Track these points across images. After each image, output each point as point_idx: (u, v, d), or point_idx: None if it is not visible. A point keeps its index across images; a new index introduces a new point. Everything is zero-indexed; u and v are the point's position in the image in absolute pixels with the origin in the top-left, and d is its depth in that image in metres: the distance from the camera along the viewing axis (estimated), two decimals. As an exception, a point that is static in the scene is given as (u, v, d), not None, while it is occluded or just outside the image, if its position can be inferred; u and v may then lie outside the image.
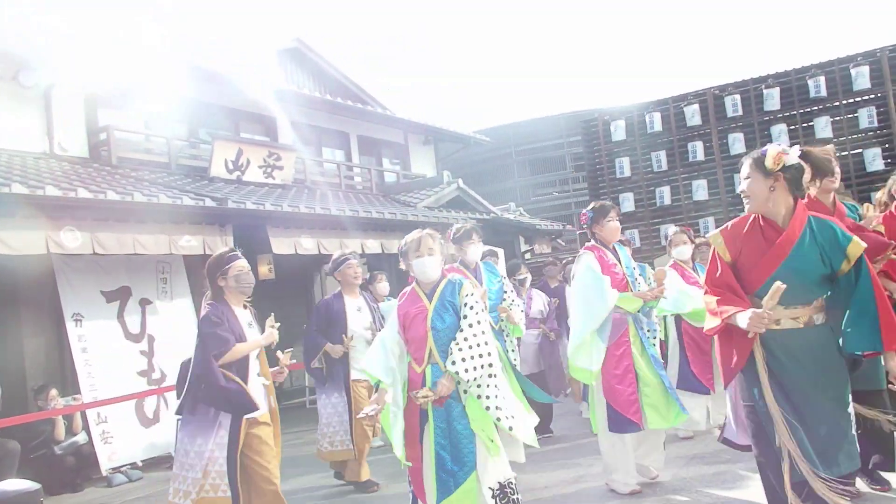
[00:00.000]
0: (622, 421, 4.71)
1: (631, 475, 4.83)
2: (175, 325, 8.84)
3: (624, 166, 12.75)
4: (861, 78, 10.82)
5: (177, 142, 11.53)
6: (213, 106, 11.40)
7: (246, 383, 4.22)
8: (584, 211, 4.93)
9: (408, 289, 4.06)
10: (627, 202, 12.64)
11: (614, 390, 4.73)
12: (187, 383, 4.26)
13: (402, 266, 4.15)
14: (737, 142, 11.68)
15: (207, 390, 4.13)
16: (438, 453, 3.71)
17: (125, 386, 7.90)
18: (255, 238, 9.94)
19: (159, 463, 8.01)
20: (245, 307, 4.54)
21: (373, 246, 11.65)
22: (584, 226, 4.95)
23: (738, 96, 11.77)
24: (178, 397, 4.55)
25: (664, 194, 12.32)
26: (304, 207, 10.38)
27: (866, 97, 10.98)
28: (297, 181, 12.97)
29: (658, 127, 12.43)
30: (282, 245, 10.00)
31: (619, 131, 12.82)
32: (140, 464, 7.87)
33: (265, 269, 12.03)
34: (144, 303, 8.68)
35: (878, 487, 4.11)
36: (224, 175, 11.21)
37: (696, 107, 12.06)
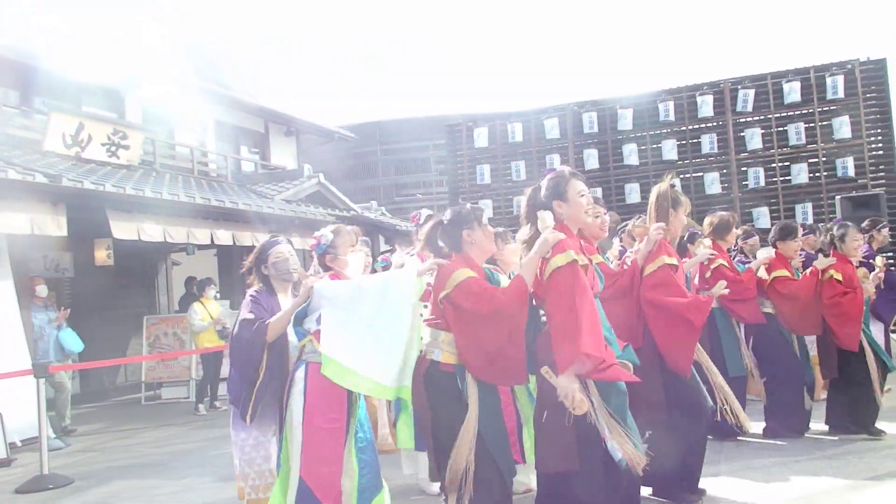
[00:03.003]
0: None
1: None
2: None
3: (485, 173, 12.90)
4: (705, 106, 11.46)
5: (6, 109, 10.63)
6: (52, 75, 10.56)
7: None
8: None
9: None
10: (487, 210, 12.76)
11: None
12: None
13: (326, 261, 4.09)
14: (591, 157, 12.08)
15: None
16: None
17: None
18: (94, 220, 9.32)
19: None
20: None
21: (224, 237, 11.20)
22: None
23: (594, 114, 12.17)
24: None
25: (521, 204, 12.51)
26: (150, 191, 9.83)
27: (709, 124, 11.61)
28: (144, 163, 12.27)
29: (519, 137, 12.66)
30: (123, 230, 9.40)
31: (481, 138, 12.96)
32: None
33: (103, 255, 11.33)
34: (-42, 283, 7.92)
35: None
36: (61, 150, 10.41)
37: (555, 120, 12.37)
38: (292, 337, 4.07)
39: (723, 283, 5.12)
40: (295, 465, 3.70)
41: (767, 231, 7.16)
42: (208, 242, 11.08)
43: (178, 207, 10.29)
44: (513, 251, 5.06)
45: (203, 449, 7.49)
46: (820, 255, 6.03)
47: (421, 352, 3.60)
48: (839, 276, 5.74)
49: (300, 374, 3.81)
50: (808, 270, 5.96)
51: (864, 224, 7.62)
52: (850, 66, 10.87)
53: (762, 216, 10.90)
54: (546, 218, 3.47)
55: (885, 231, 7.56)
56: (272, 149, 17.06)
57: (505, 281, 3.89)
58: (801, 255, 6.32)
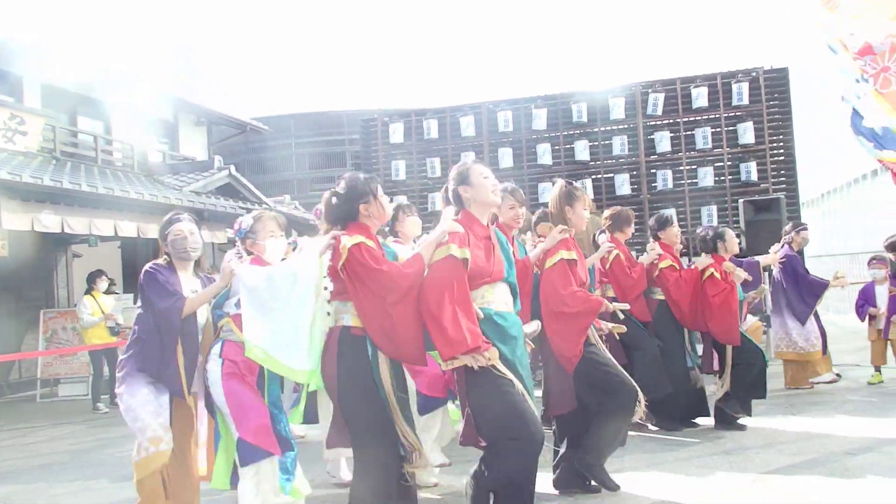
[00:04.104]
0: None
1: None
2: None
3: (400, 169, 12.83)
4: (616, 108, 11.70)
5: None
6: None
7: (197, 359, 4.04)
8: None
9: None
10: (401, 206, 12.69)
11: None
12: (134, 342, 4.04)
13: (246, 245, 4.23)
14: (505, 156, 12.16)
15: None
16: None
17: None
18: (-16, 209, 8.83)
19: None
20: (198, 277, 4.25)
21: (128, 228, 10.80)
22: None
23: (509, 113, 12.25)
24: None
25: (436, 200, 12.53)
26: (48, 180, 9.38)
27: (621, 127, 11.87)
28: (44, 150, 11.69)
29: (434, 134, 12.64)
30: (16, 220, 8.94)
31: (396, 134, 12.88)
32: None
33: (-5, 245, 10.74)
34: None
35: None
36: (-50, 134, 9.83)
37: (470, 118, 12.39)
38: (201, 318, 4.11)
39: (626, 305, 5.19)
40: (232, 430, 3.84)
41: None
42: (112, 234, 10.66)
43: (80, 197, 9.86)
44: (414, 223, 5.36)
45: (102, 448, 7.20)
46: (702, 255, 6.34)
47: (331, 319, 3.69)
48: (718, 274, 6.08)
49: (216, 350, 3.96)
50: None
51: (786, 227, 8.06)
52: (754, 74, 11.28)
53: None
54: (447, 211, 3.64)
55: (805, 233, 7.94)
56: (181, 139, 16.54)
57: (405, 253, 4.12)
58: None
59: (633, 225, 6.44)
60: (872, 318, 7.84)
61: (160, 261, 4.15)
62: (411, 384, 4.29)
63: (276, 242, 4.25)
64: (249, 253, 4.20)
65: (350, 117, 29.38)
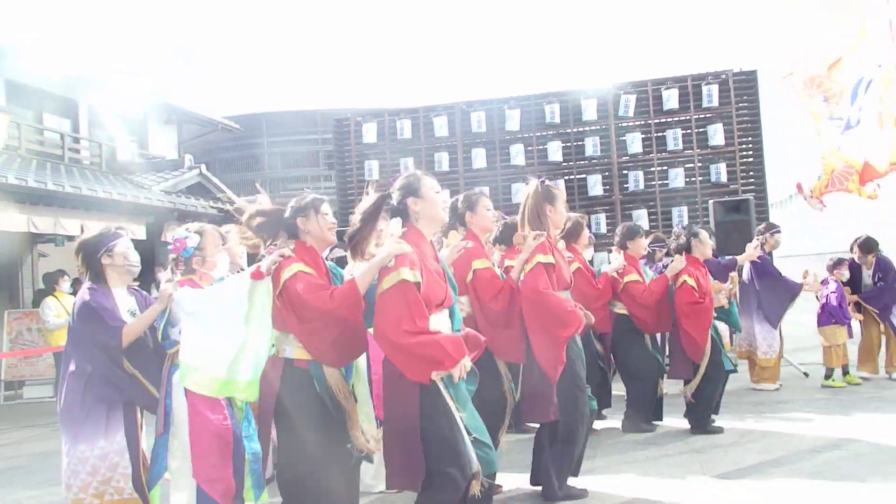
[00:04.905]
0: None
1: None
2: None
3: (373, 169, 12.77)
4: (589, 110, 11.75)
5: None
6: None
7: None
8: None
9: None
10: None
11: None
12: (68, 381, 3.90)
13: (193, 264, 4.01)
14: (479, 156, 12.17)
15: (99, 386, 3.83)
16: None
17: None
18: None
19: None
20: (132, 294, 4.15)
21: (95, 228, 10.59)
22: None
23: (482, 113, 12.25)
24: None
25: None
26: (13, 178, 9.21)
27: (593, 128, 11.92)
28: (8, 148, 11.47)
29: (408, 134, 12.61)
30: (-22, 218, 8.77)
31: (370, 133, 12.82)
32: None
33: (-42, 244, 10.53)
34: None
35: None
36: (-89, 131, 9.62)
37: (444, 118, 12.37)
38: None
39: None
40: (186, 469, 3.69)
41: (649, 232, 7.52)
42: (79, 234, 10.48)
43: (47, 196, 9.70)
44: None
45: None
46: (676, 257, 6.22)
47: (273, 348, 3.58)
48: (692, 282, 5.97)
49: (178, 378, 3.74)
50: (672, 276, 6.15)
51: (759, 227, 8.10)
52: (724, 77, 11.38)
53: (641, 218, 11.25)
54: (393, 225, 3.41)
55: (778, 236, 8.00)
56: (151, 137, 16.33)
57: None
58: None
59: (585, 230, 6.28)
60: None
61: (90, 284, 3.99)
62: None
63: (223, 256, 4.15)
64: (192, 271, 4.01)
65: (323, 116, 29.25)
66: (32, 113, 13.17)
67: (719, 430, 5.93)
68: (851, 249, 8.32)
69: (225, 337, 3.50)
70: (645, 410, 6.16)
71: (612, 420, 6.48)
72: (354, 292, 3.31)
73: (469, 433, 3.25)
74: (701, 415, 5.99)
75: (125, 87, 14.62)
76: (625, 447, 5.67)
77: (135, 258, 4.10)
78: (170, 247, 4.10)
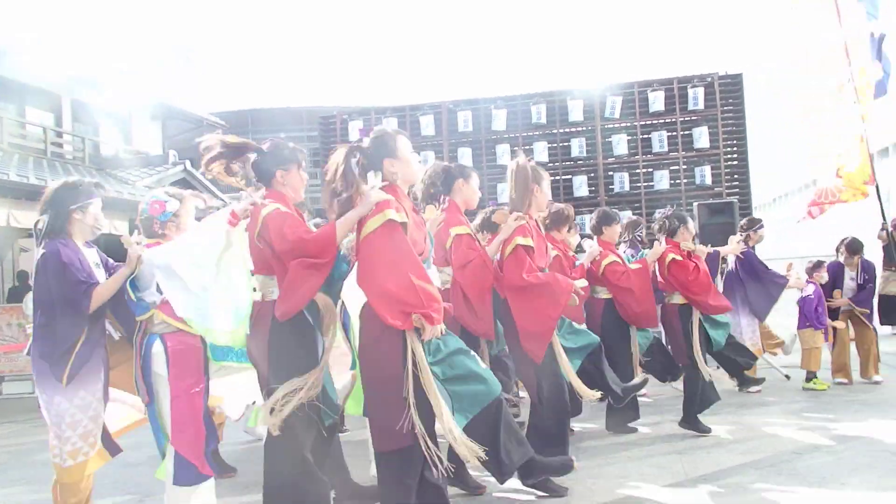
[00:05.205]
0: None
1: None
2: None
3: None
4: (575, 111, 11.77)
5: None
6: None
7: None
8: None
9: None
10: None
11: None
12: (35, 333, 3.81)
13: (166, 227, 4.00)
14: (465, 155, 12.15)
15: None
16: None
17: None
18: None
19: None
20: (90, 245, 4.04)
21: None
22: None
23: (469, 112, 12.24)
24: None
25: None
26: (-6, 172, 9.11)
27: (579, 129, 11.93)
28: (-9, 141, 11.37)
29: (394, 132, 12.57)
30: (-42, 212, 8.67)
31: (356, 131, 12.78)
32: None
33: (-62, 238, 10.42)
34: None
35: None
36: None
37: (430, 117, 12.34)
38: None
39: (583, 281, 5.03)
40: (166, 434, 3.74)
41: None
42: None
43: (28, 190, 9.59)
44: None
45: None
46: (655, 244, 6.19)
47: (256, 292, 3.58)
48: (678, 257, 5.95)
49: (158, 349, 3.72)
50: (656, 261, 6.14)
51: (742, 223, 8.10)
52: (709, 80, 11.43)
53: (626, 219, 11.28)
54: (371, 178, 3.40)
55: (762, 231, 7.98)
56: (135, 133, 16.22)
57: None
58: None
59: (569, 225, 6.33)
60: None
61: (61, 238, 3.86)
62: None
63: (196, 224, 4.09)
64: (160, 235, 3.97)
65: (309, 113, 29.13)
66: (15, 107, 13.04)
67: (707, 430, 5.91)
68: (837, 250, 8.35)
69: (201, 283, 3.50)
70: (623, 412, 6.10)
71: (596, 422, 6.47)
72: (331, 232, 3.29)
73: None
74: (690, 411, 5.98)
75: (111, 84, 14.52)
76: (606, 448, 5.67)
77: (104, 221, 4.07)
78: (145, 206, 4.02)
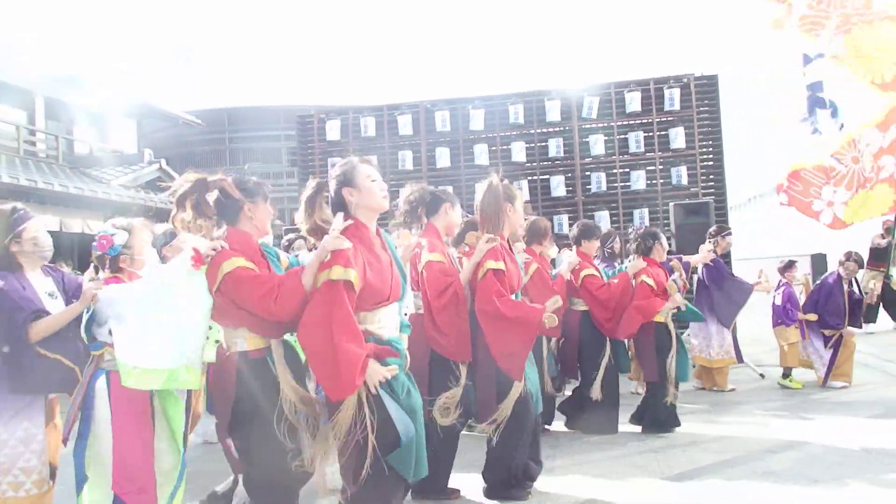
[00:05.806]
0: None
1: None
2: None
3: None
4: (552, 111, 11.80)
5: None
6: None
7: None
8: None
9: None
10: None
11: None
12: None
13: (119, 262, 3.73)
14: (443, 155, 12.15)
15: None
16: None
17: None
18: None
19: None
20: (48, 274, 3.86)
21: (51, 223, 10.41)
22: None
23: (447, 112, 12.24)
24: None
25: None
26: (-36, 171, 8.98)
27: (556, 129, 11.98)
28: (-39, 140, 11.21)
29: (371, 132, 12.54)
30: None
31: (333, 131, 12.73)
32: None
33: None
34: None
35: None
36: None
37: (408, 117, 12.32)
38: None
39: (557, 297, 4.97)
40: (106, 479, 3.48)
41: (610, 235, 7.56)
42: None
43: (-1, 189, 9.46)
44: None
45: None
46: (632, 258, 6.27)
47: (218, 343, 3.45)
48: (651, 282, 6.00)
49: (101, 385, 3.54)
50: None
51: (710, 230, 8.14)
52: (685, 80, 11.50)
53: (603, 219, 11.33)
54: (336, 220, 3.27)
55: (729, 238, 8.05)
56: (110, 130, 16.05)
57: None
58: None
59: (549, 236, 6.32)
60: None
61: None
62: None
63: (152, 253, 3.93)
64: (118, 269, 3.75)
65: (287, 113, 28.98)
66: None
67: (671, 429, 6.00)
68: (848, 259, 8.15)
69: (157, 326, 3.31)
70: (602, 415, 6.10)
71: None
72: (299, 293, 3.19)
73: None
74: (654, 415, 6.05)
75: (85, 81, 14.34)
76: (583, 447, 5.70)
77: (46, 242, 3.84)
78: (94, 244, 3.80)
